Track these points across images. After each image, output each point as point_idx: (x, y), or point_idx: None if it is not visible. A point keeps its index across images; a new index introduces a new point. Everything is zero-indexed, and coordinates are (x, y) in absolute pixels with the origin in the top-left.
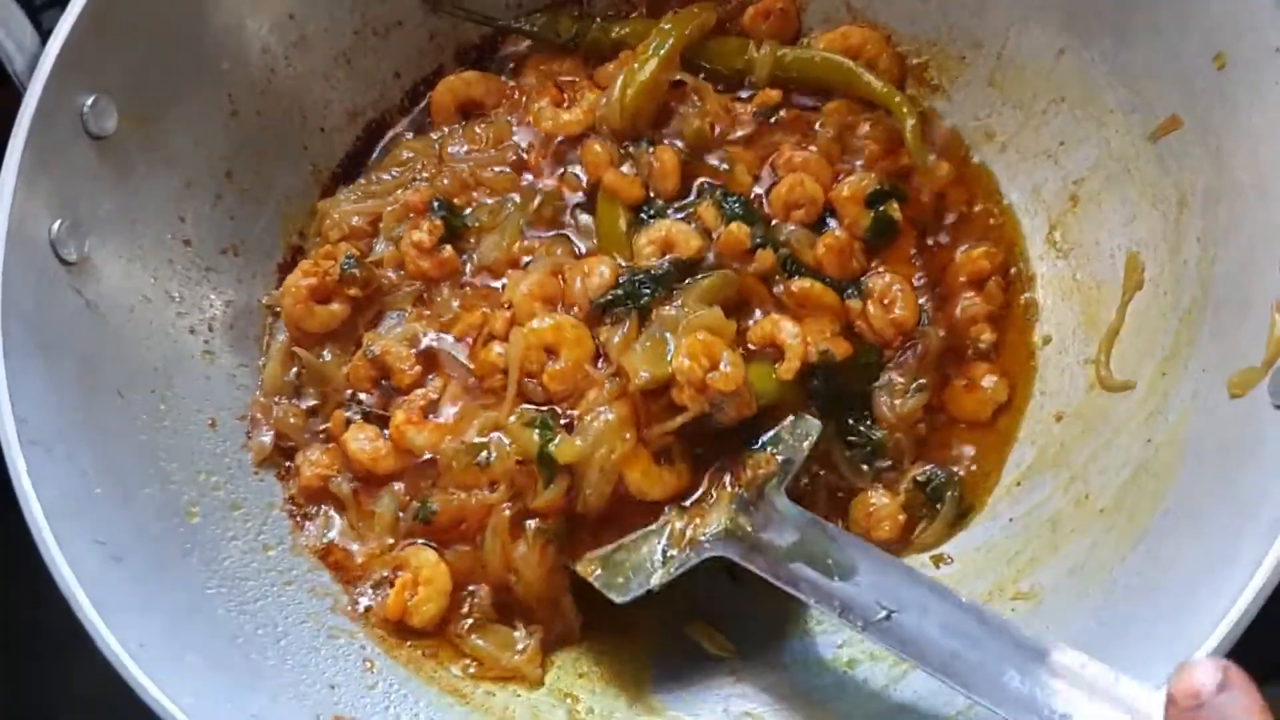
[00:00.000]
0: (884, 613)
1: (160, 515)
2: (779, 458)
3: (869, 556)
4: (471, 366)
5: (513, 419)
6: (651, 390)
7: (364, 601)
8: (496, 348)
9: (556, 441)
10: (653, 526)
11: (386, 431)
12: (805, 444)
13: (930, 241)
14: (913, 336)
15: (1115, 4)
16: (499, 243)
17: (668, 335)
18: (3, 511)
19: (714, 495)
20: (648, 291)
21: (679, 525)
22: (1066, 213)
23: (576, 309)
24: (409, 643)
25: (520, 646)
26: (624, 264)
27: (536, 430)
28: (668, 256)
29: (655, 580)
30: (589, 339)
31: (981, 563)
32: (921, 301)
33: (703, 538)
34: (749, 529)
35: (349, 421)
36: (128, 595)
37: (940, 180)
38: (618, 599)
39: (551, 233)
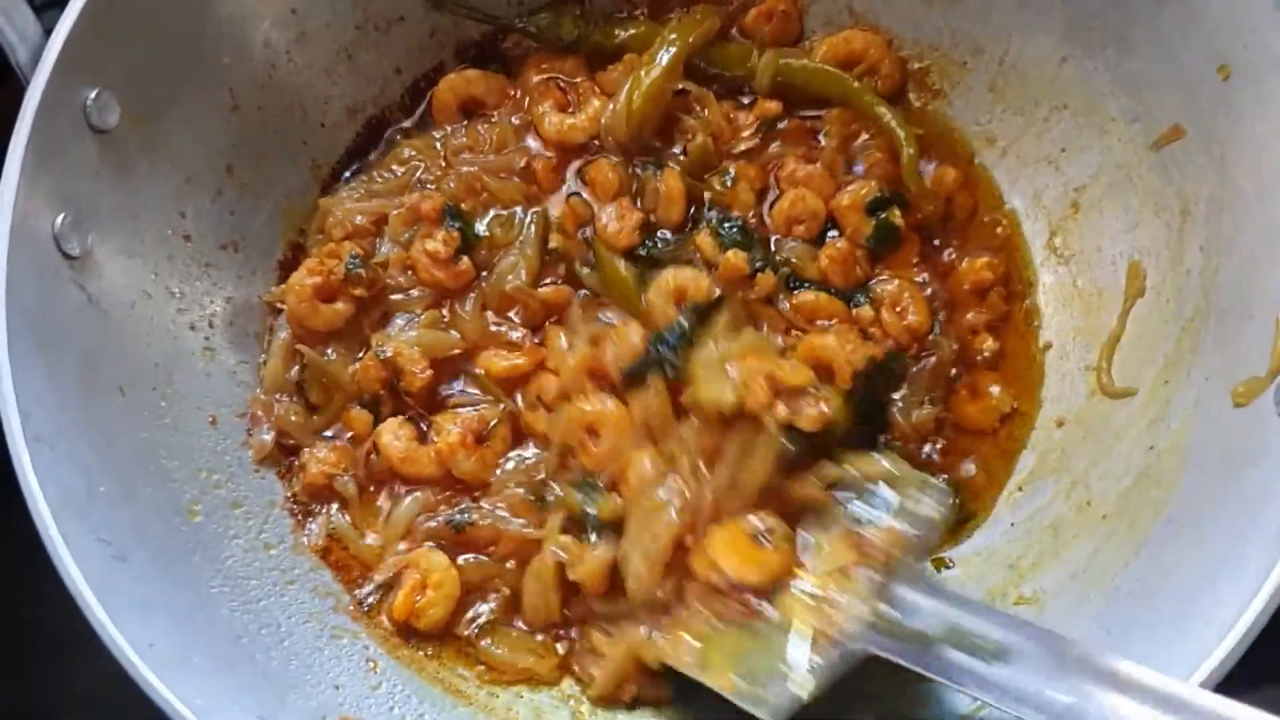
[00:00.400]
0: (1066, 700)
1: (162, 514)
2: (912, 533)
3: (1025, 633)
4: (518, 407)
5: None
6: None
7: (369, 600)
8: (536, 413)
9: (599, 502)
10: (770, 618)
11: (432, 437)
12: (939, 514)
13: (936, 243)
14: (926, 344)
15: (1118, 13)
16: (515, 266)
17: (725, 368)
18: (2, 510)
19: (841, 584)
20: (673, 353)
21: (809, 620)
22: (1068, 219)
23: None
24: (412, 643)
25: (540, 649)
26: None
27: (579, 491)
28: (685, 306)
29: (804, 691)
30: (623, 419)
31: (982, 567)
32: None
33: (844, 635)
34: (894, 617)
35: (376, 418)
36: (132, 595)
37: (946, 186)
38: None
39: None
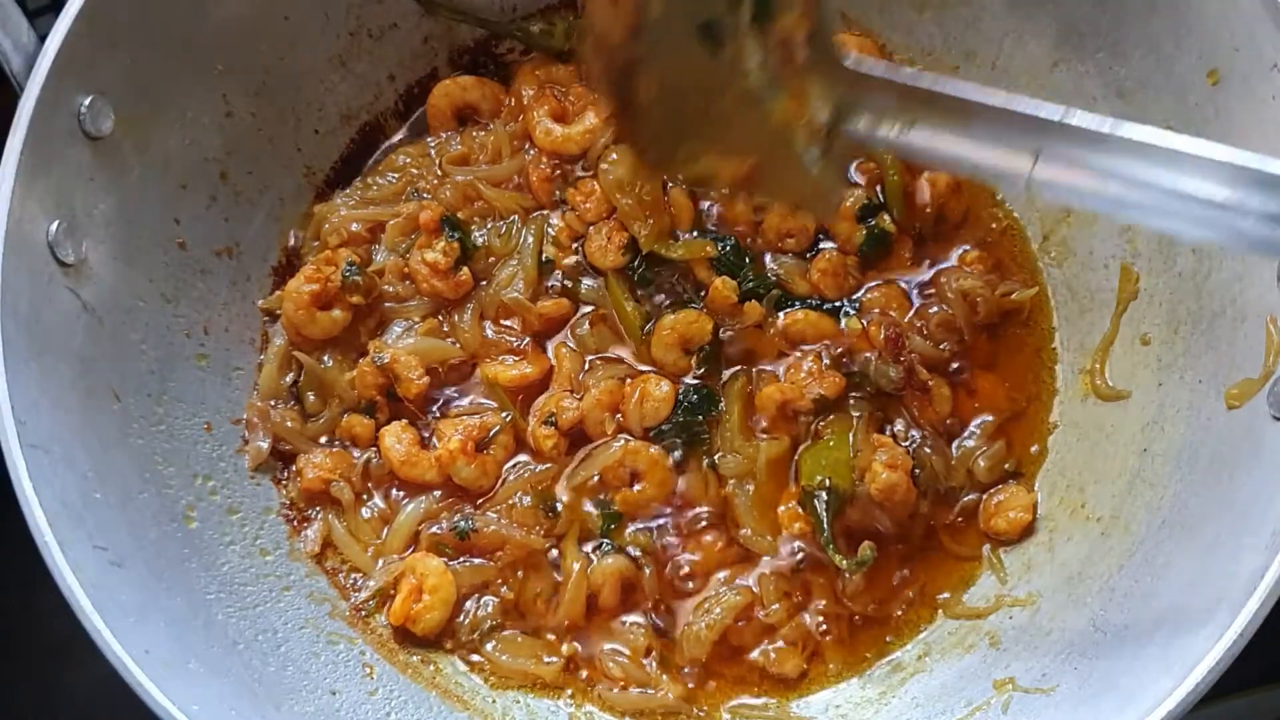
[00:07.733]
0: None
1: (158, 520)
2: None
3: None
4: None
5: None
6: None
7: (365, 606)
8: (546, 430)
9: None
10: None
11: (434, 441)
12: None
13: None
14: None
15: (1109, 18)
16: (513, 277)
17: (747, 491)
18: None
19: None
20: (700, 421)
21: None
22: (1060, 222)
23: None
24: (408, 649)
25: (544, 654)
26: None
27: (597, 510)
28: (694, 356)
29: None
30: (670, 480)
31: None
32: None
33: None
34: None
35: (378, 421)
36: (128, 601)
37: (938, 192)
38: None
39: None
